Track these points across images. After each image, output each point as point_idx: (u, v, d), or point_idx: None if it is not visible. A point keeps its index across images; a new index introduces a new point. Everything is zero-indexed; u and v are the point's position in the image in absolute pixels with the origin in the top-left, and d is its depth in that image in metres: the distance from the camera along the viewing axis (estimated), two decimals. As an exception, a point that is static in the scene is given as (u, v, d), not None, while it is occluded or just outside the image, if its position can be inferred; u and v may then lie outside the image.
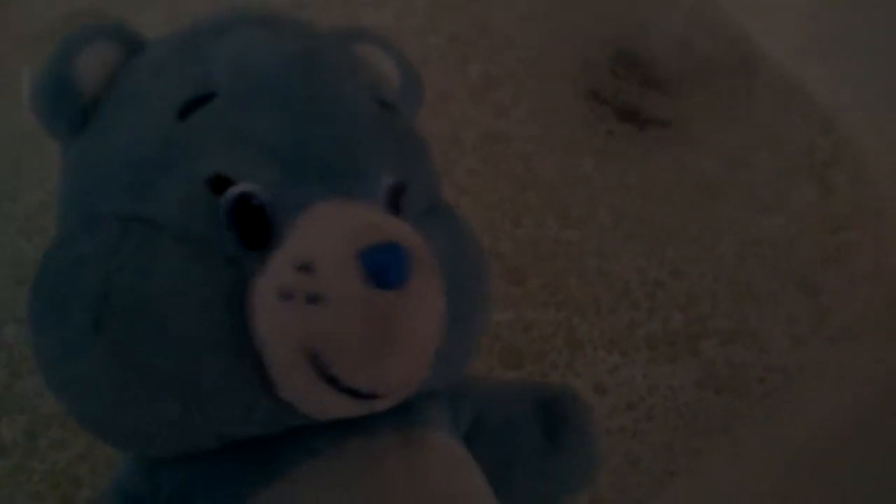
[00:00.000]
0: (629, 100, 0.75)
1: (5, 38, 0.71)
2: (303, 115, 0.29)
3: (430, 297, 0.27)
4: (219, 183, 0.27)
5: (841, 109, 0.73)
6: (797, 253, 0.68)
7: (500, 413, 0.39)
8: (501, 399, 0.40)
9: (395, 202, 0.30)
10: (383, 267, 0.25)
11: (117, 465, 0.34)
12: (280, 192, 0.27)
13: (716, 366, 0.61)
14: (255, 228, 0.26)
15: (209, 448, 0.29)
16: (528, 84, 0.75)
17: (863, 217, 0.69)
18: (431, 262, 0.28)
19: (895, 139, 0.69)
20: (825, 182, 0.71)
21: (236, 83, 0.29)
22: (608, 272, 0.65)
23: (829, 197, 0.70)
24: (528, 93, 0.74)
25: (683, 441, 0.57)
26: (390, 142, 0.31)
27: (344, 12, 0.76)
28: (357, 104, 0.31)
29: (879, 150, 0.70)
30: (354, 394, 0.26)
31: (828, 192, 0.71)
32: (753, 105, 0.76)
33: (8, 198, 0.62)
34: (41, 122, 0.30)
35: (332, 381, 0.26)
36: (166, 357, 0.26)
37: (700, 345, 0.62)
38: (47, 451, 0.50)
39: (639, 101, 0.75)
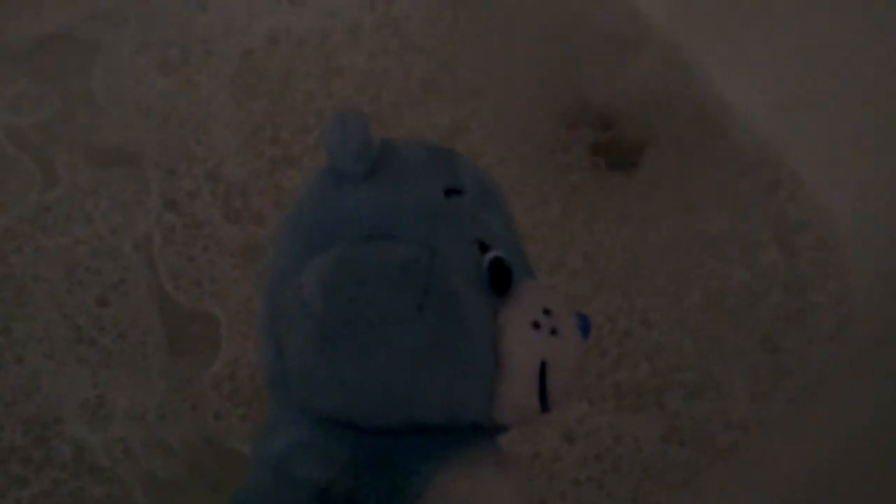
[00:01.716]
0: (596, 149, 0.79)
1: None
2: (512, 227, 0.47)
3: None
4: (482, 245, 0.40)
5: (809, 173, 0.77)
6: (761, 310, 0.71)
7: None
8: None
9: None
10: (587, 325, 0.42)
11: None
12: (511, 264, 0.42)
13: (679, 419, 0.64)
14: (501, 280, 0.40)
15: (432, 423, 0.39)
16: (496, 131, 0.78)
17: (826, 280, 0.72)
18: None
19: (862, 206, 0.73)
20: (790, 244, 0.74)
21: (476, 190, 0.45)
22: (579, 319, 0.68)
23: (794, 258, 0.74)
24: (496, 140, 0.77)
25: (647, 495, 0.60)
26: None
27: (318, 53, 0.78)
28: None
29: (846, 215, 0.74)
30: (545, 408, 0.39)
31: (792, 253, 0.74)
32: (720, 162, 0.80)
33: None
34: (343, 162, 0.41)
35: (542, 394, 0.39)
36: (459, 342, 0.37)
37: (665, 397, 0.65)
38: (9, 486, 0.50)
39: (605, 151, 0.79)
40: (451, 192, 0.43)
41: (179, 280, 0.63)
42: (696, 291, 0.71)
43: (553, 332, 0.39)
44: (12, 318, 0.59)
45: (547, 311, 0.39)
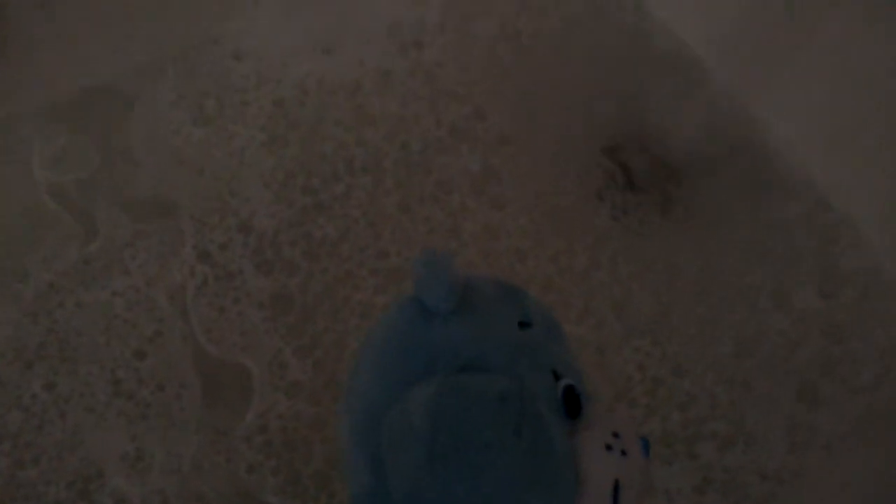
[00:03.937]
0: (630, 195, 0.82)
1: (17, 108, 0.78)
2: (573, 355, 0.52)
3: None
4: (554, 374, 0.47)
5: (857, 216, 0.79)
6: (796, 357, 0.73)
7: None
8: None
9: None
10: (648, 446, 0.48)
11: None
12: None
13: (713, 470, 0.67)
14: (574, 406, 0.46)
15: None
16: (526, 180, 0.82)
17: (867, 329, 0.74)
18: None
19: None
20: (831, 290, 0.77)
21: (543, 323, 0.51)
22: (609, 367, 0.71)
23: (835, 305, 0.76)
24: (525, 189, 0.81)
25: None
26: None
27: (350, 100, 0.83)
28: None
29: (893, 261, 0.77)
30: None
31: (833, 299, 0.76)
32: (762, 204, 0.83)
33: (17, 278, 0.68)
34: (434, 301, 0.47)
35: None
36: (550, 462, 0.44)
37: (697, 447, 0.68)
38: (51, 540, 0.55)
39: (640, 197, 0.82)
40: (522, 324, 0.50)
41: (211, 332, 0.68)
42: (729, 337, 0.74)
43: (623, 453, 0.45)
44: (56, 372, 0.65)
45: (616, 435, 0.46)
